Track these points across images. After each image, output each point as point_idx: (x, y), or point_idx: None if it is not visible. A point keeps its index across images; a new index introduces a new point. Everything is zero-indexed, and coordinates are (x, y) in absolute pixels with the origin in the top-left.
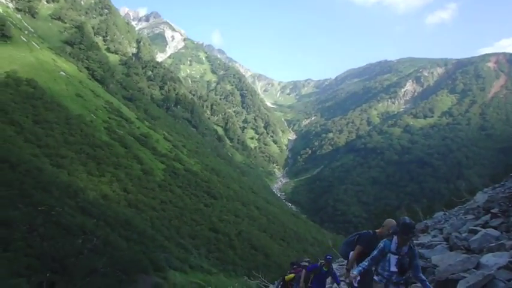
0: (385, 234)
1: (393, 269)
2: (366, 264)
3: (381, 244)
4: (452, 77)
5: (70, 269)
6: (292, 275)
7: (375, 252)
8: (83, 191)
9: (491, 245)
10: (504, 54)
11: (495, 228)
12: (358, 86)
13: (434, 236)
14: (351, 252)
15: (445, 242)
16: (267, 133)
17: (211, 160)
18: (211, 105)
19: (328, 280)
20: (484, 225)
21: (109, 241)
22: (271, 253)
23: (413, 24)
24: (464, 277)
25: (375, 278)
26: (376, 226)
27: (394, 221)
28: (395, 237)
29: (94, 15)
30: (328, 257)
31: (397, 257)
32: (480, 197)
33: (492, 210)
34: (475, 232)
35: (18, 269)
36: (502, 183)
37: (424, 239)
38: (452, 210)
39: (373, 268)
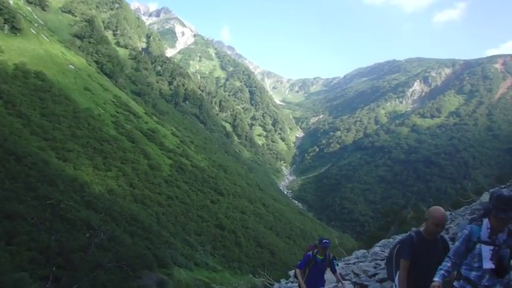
0: (432, 230)
1: (487, 265)
2: (449, 265)
3: (465, 230)
4: (460, 78)
5: (75, 264)
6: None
7: (457, 243)
8: (89, 185)
9: None
10: (511, 56)
11: None
12: (366, 85)
13: None
14: (397, 273)
15: (451, 242)
16: (275, 130)
17: (218, 156)
18: (220, 101)
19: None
20: None
21: (114, 236)
22: (277, 251)
23: (421, 22)
24: None
25: (455, 284)
26: (382, 225)
27: (442, 209)
28: (486, 221)
29: (104, 9)
30: (324, 241)
31: (491, 247)
32: (486, 198)
33: None
34: None
35: (21, 262)
36: (508, 183)
37: None
38: (458, 210)
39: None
